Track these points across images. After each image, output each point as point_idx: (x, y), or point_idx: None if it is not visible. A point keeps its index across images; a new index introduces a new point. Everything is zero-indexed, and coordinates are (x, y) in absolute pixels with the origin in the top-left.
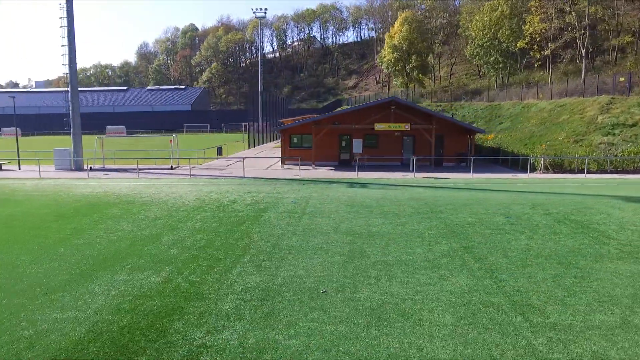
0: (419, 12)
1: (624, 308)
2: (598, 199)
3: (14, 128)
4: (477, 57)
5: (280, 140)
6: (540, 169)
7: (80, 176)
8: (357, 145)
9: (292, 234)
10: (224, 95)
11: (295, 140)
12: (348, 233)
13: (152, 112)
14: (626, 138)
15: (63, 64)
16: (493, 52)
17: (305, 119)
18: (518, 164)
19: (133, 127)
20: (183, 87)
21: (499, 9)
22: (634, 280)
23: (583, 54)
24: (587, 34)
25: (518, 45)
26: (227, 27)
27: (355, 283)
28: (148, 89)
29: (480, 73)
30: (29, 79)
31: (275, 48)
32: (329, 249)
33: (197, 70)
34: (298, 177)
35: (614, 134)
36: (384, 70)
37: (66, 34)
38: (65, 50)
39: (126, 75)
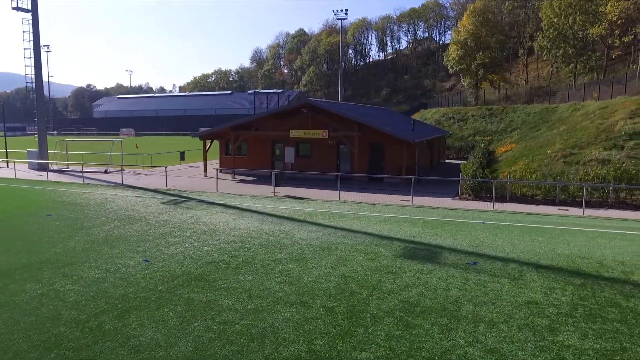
0: (508, 4)
1: None
2: (344, 238)
3: (131, 129)
4: (545, 51)
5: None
6: (460, 194)
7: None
8: (289, 155)
9: None
10: (323, 98)
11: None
12: None
13: (245, 115)
14: (638, 154)
15: (27, 74)
16: (562, 44)
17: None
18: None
19: None
20: (280, 90)
21: None
22: None
23: None
24: None
25: (593, 31)
26: (330, 30)
27: None
28: (249, 93)
29: (549, 71)
30: (174, 85)
31: (379, 49)
32: None
33: (298, 74)
34: (162, 189)
35: (621, 147)
36: (450, 70)
37: (32, 47)
38: (31, 62)
39: (241, 80)
